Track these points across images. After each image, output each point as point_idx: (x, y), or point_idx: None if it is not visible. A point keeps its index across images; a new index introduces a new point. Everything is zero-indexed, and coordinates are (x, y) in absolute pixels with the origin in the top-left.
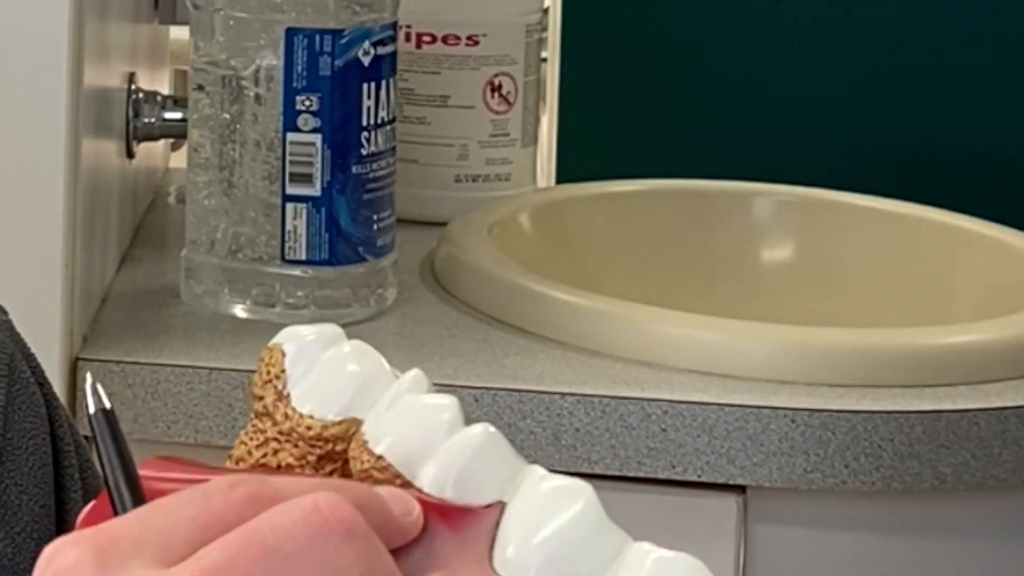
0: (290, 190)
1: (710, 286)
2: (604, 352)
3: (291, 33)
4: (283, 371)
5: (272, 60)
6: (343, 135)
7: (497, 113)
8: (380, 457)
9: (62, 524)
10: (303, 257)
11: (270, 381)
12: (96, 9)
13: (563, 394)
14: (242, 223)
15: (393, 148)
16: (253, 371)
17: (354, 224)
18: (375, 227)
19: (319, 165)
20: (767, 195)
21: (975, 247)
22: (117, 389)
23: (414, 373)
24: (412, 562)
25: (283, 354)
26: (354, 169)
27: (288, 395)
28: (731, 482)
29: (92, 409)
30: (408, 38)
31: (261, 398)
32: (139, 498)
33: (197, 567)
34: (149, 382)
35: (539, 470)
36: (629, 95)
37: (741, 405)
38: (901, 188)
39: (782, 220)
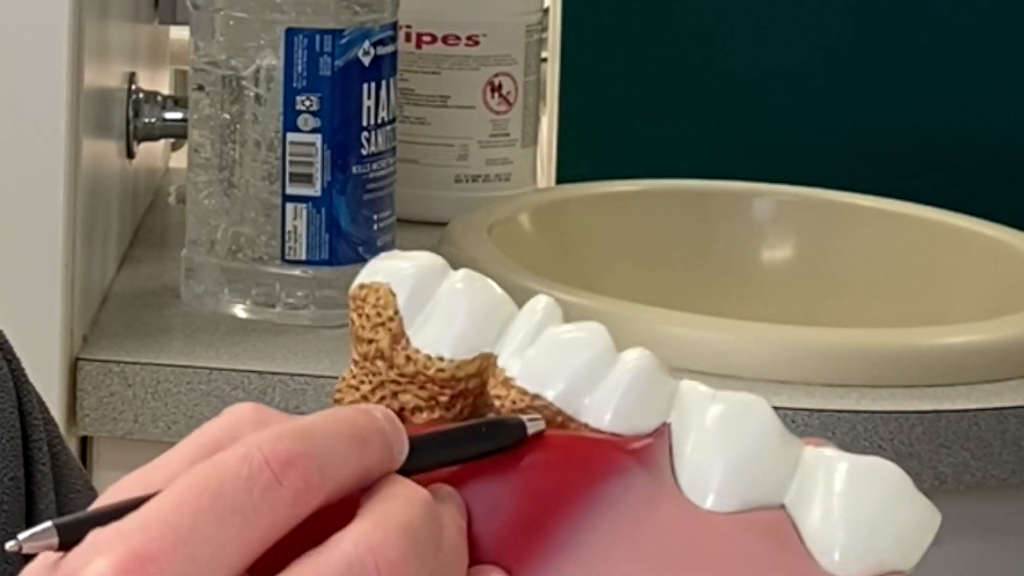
0: (290, 190)
1: (710, 286)
2: None
3: (291, 33)
4: (396, 312)
5: (272, 60)
6: (343, 135)
7: (497, 113)
8: (537, 395)
9: (31, 496)
10: (303, 257)
11: (383, 324)
12: (96, 9)
13: None
14: (242, 223)
15: (393, 148)
16: (253, 371)
17: (354, 224)
18: (375, 227)
19: (319, 165)
20: (767, 195)
21: (975, 247)
22: (117, 389)
23: (545, 301)
24: (609, 498)
25: (392, 294)
26: (354, 169)
27: (407, 336)
28: None
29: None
30: (408, 38)
31: (371, 341)
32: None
33: None
34: (149, 382)
35: (700, 387)
36: (629, 95)
37: None
38: (901, 188)
39: (782, 220)
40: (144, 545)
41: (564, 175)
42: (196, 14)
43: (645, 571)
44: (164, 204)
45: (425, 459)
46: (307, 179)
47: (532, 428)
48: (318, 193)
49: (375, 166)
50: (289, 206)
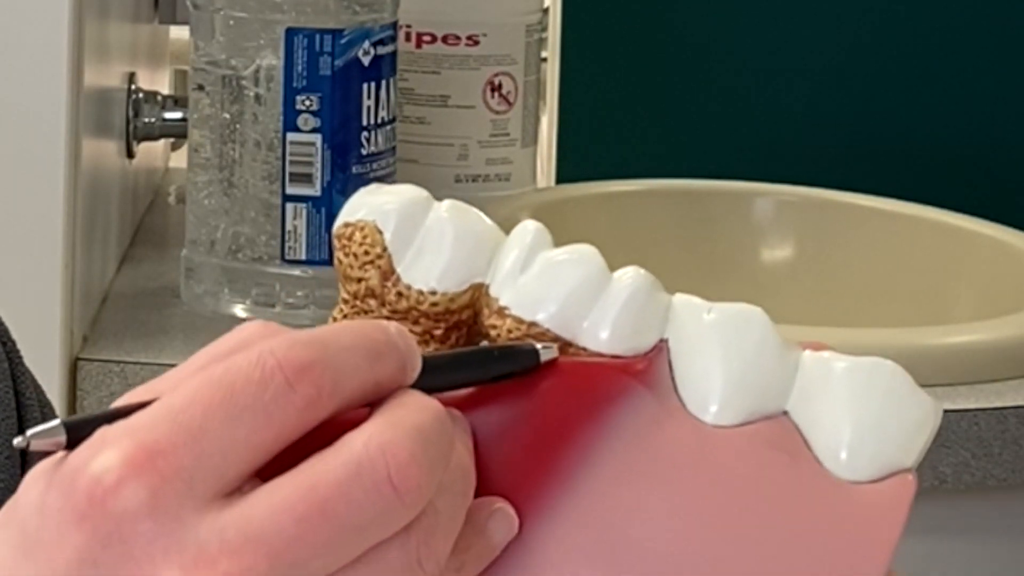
0: (290, 190)
1: (710, 286)
2: None
3: (291, 33)
4: (384, 249)
5: (272, 60)
6: (343, 135)
7: (497, 113)
8: (533, 323)
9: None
10: (303, 257)
11: (371, 262)
12: (96, 9)
13: None
14: (242, 223)
15: (393, 148)
16: None
17: None
18: None
19: (319, 165)
20: (767, 195)
21: (975, 247)
22: (117, 389)
23: (533, 227)
24: (617, 425)
25: (379, 231)
26: (354, 169)
27: (397, 273)
28: None
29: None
30: (408, 38)
31: (360, 279)
32: None
33: (250, 523)
34: None
35: (695, 300)
36: (629, 95)
37: None
38: (901, 188)
39: (782, 220)
40: (154, 439)
41: (564, 175)
42: (196, 14)
43: (657, 496)
44: (164, 204)
45: (436, 379)
46: (307, 179)
47: (545, 355)
48: (318, 193)
49: (375, 166)
50: (289, 206)
